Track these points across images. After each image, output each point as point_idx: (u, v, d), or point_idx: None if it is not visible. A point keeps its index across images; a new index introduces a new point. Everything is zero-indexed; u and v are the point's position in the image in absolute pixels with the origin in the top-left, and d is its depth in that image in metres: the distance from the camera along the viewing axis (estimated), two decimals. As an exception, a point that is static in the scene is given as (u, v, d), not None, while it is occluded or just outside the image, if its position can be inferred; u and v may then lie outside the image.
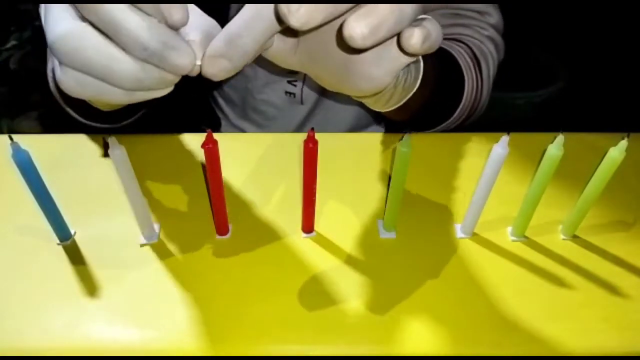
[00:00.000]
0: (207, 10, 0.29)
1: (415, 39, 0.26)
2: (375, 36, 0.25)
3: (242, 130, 0.74)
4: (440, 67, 0.45)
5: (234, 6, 0.59)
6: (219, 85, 0.73)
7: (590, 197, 0.39)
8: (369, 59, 0.30)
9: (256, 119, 0.72)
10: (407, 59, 0.30)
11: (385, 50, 0.29)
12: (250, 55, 0.28)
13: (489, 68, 0.55)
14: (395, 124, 0.66)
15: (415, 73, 0.35)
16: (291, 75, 0.65)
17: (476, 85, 0.53)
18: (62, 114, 0.52)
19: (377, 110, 0.39)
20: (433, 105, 0.45)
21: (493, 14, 0.58)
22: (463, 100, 0.52)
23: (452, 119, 0.53)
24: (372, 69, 0.30)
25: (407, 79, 0.35)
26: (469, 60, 0.53)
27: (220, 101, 0.74)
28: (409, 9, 0.26)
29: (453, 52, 0.52)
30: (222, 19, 0.28)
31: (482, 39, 0.56)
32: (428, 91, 0.40)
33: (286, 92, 0.68)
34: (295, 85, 0.66)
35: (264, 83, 0.67)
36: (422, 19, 0.28)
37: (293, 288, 0.38)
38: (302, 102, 0.68)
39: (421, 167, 0.48)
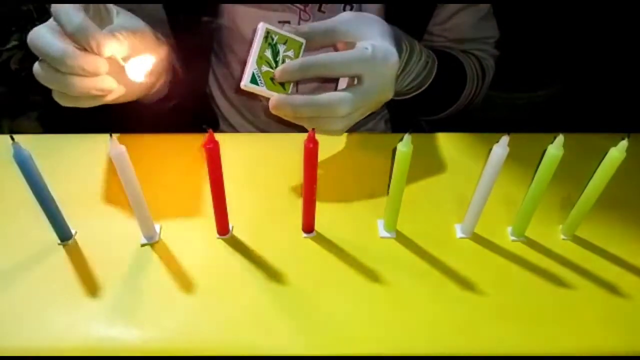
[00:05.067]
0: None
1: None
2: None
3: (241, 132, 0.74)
4: (449, 68, 0.59)
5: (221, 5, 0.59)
6: (217, 86, 0.73)
7: (590, 197, 0.39)
8: None
9: (254, 121, 0.73)
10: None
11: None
12: None
13: (489, 78, 0.68)
14: (399, 117, 0.75)
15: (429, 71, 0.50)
16: None
17: (476, 89, 0.65)
18: (63, 114, 0.52)
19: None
20: (440, 92, 0.58)
21: (495, 34, 0.67)
22: (461, 97, 0.64)
23: (451, 108, 0.65)
24: None
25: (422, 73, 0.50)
26: (476, 70, 0.65)
27: (220, 102, 0.74)
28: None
29: (464, 63, 0.63)
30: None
31: (488, 57, 0.67)
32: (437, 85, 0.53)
33: None
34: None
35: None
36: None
37: (293, 288, 0.38)
38: None
39: (421, 167, 0.48)
